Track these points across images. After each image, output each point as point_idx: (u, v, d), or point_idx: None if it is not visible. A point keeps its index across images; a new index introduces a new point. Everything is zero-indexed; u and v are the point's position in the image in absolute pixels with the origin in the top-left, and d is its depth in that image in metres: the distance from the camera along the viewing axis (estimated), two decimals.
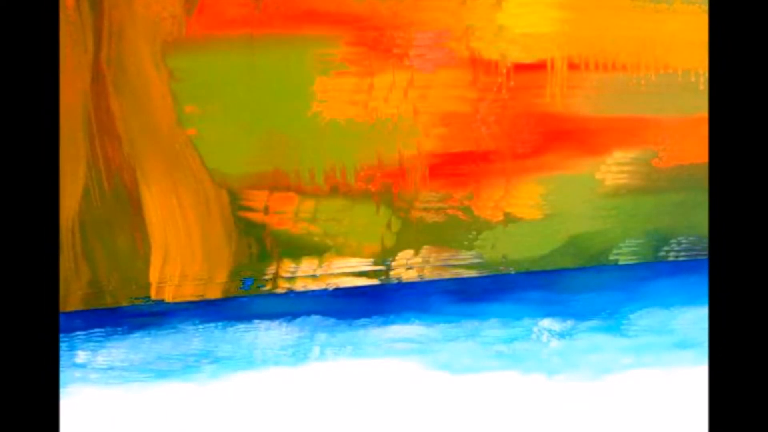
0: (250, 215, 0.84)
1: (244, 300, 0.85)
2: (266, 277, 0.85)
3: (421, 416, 0.80)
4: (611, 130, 0.88)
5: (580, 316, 0.88)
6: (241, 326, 0.84)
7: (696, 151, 0.89)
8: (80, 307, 0.83)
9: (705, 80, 0.88)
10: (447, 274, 0.88)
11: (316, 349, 0.84)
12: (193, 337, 0.84)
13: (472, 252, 0.88)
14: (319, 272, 0.86)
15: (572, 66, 0.86)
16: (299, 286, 0.86)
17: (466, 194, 0.87)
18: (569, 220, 0.89)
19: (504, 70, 0.85)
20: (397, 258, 0.87)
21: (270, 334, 0.84)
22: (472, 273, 0.88)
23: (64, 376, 0.80)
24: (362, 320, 0.86)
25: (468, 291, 0.88)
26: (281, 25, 0.81)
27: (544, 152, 0.87)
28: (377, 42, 0.83)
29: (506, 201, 0.87)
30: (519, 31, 0.85)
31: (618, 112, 0.88)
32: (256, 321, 0.85)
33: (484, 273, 0.88)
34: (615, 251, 0.90)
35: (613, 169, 0.89)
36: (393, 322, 0.86)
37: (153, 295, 0.83)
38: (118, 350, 0.82)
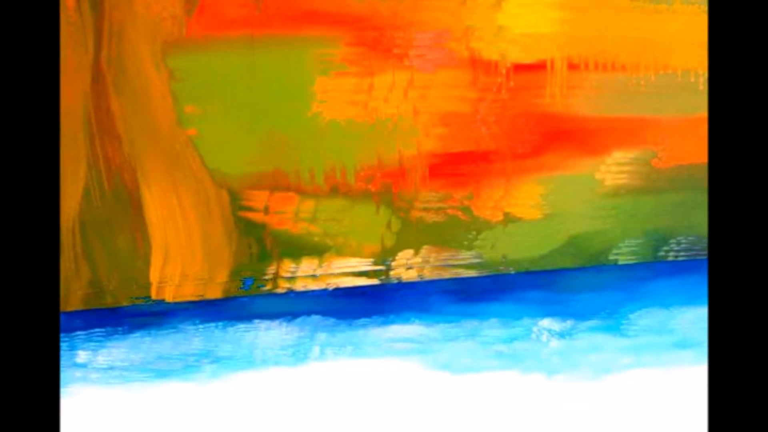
0: (250, 215, 0.84)
1: (244, 300, 0.85)
2: (266, 277, 0.85)
3: (421, 416, 0.80)
4: (611, 130, 0.88)
5: (580, 315, 0.88)
6: (242, 326, 0.85)
7: (695, 151, 0.89)
8: (81, 307, 0.83)
9: (704, 80, 0.88)
10: (447, 274, 0.88)
11: (316, 349, 0.84)
12: (193, 337, 0.84)
13: (472, 252, 0.88)
14: (319, 272, 0.86)
15: (572, 66, 0.86)
16: (299, 286, 0.86)
17: (466, 194, 0.87)
18: (569, 220, 0.89)
19: (504, 71, 0.85)
20: (397, 258, 0.87)
21: (270, 334, 0.85)
22: (471, 273, 0.88)
23: (64, 375, 0.80)
24: (362, 320, 0.86)
25: (468, 291, 0.88)
26: (281, 26, 0.81)
27: (544, 152, 0.87)
28: (377, 42, 0.83)
29: (506, 201, 0.88)
30: (519, 32, 0.85)
31: (618, 112, 0.88)
32: (257, 321, 0.85)
33: (484, 273, 0.88)
34: (615, 251, 0.90)
35: (613, 169, 0.89)
36: (393, 322, 0.86)
37: (153, 295, 0.84)
38: (118, 350, 0.82)
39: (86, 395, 0.80)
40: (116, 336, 0.83)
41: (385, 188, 0.85)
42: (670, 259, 0.91)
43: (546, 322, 0.87)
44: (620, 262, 0.90)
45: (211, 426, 0.79)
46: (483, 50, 0.85)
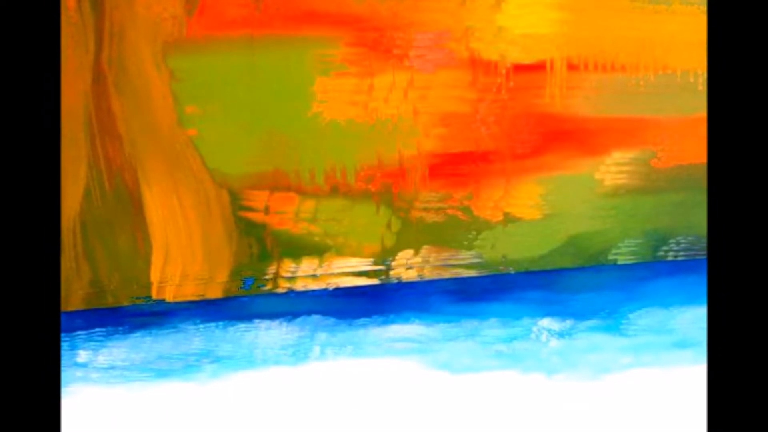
0: (250, 215, 0.84)
1: (244, 300, 0.85)
2: (267, 277, 0.85)
3: (421, 416, 0.80)
4: (610, 130, 0.88)
5: (580, 315, 0.88)
6: (242, 326, 0.85)
7: (695, 151, 0.89)
8: (81, 307, 0.83)
9: (704, 81, 0.88)
10: (447, 274, 0.88)
11: (317, 349, 0.84)
12: (193, 337, 0.84)
13: (472, 252, 0.88)
14: (319, 272, 0.86)
15: (571, 66, 0.86)
16: (299, 285, 0.86)
17: (466, 194, 0.87)
18: (568, 220, 0.89)
19: (503, 71, 0.85)
20: (397, 258, 0.87)
21: (270, 334, 0.85)
22: (471, 273, 0.88)
23: (65, 375, 0.80)
24: (362, 320, 0.86)
25: (468, 291, 0.88)
26: (281, 26, 0.81)
27: (544, 152, 0.87)
28: (377, 43, 0.83)
29: (506, 201, 0.88)
30: (518, 32, 0.85)
31: (617, 112, 0.88)
32: (257, 321, 0.85)
33: (484, 273, 0.88)
34: (614, 251, 0.90)
35: (613, 169, 0.89)
36: (393, 322, 0.86)
37: (154, 295, 0.84)
38: (119, 350, 0.82)
39: (87, 395, 0.80)
40: (117, 336, 0.83)
41: (385, 188, 0.85)
42: (670, 258, 0.91)
43: (546, 322, 0.87)
44: (620, 262, 0.90)
45: (212, 426, 0.79)
46: (483, 51, 0.85)
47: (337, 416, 0.80)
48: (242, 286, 0.85)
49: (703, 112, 0.88)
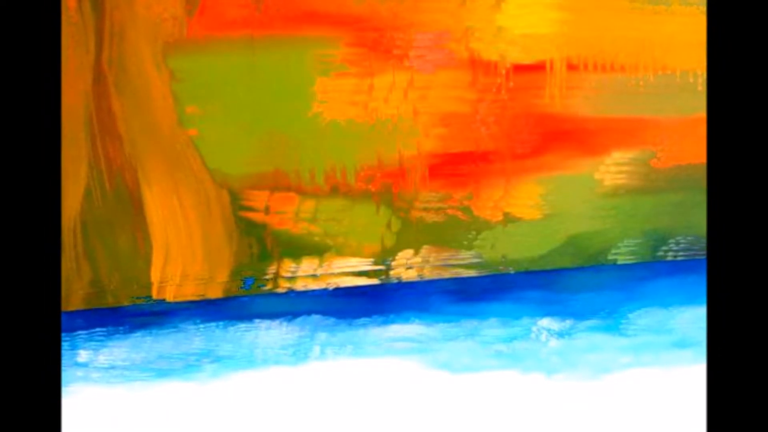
0: (250, 215, 0.84)
1: (244, 299, 0.85)
2: (267, 277, 0.85)
3: (421, 415, 0.80)
4: (610, 130, 0.88)
5: (579, 315, 0.88)
6: (242, 326, 0.85)
7: (694, 151, 0.89)
8: (82, 307, 0.83)
9: (703, 81, 0.88)
10: (447, 274, 0.88)
11: (317, 349, 0.84)
12: (194, 337, 0.84)
13: (472, 252, 0.88)
14: (319, 272, 0.86)
15: (571, 67, 0.86)
16: (300, 285, 0.86)
17: (466, 194, 0.87)
18: (568, 220, 0.89)
19: (503, 71, 0.86)
20: (397, 258, 0.87)
21: (270, 334, 0.85)
22: (471, 273, 0.88)
23: (66, 375, 0.80)
24: (362, 320, 0.86)
25: (467, 291, 0.88)
26: (282, 26, 0.81)
27: (544, 152, 0.87)
28: (377, 43, 0.83)
29: (506, 201, 0.88)
30: (518, 32, 0.85)
31: (617, 112, 0.88)
32: (257, 320, 0.85)
33: (484, 273, 0.88)
34: (614, 251, 0.90)
35: (612, 169, 0.89)
36: (393, 322, 0.86)
37: (154, 295, 0.84)
38: (119, 349, 0.83)
39: (87, 394, 0.80)
40: (117, 335, 0.83)
41: (385, 188, 0.86)
42: (669, 258, 0.91)
43: (545, 322, 0.87)
44: (619, 262, 0.90)
45: (212, 425, 0.79)
46: (482, 51, 0.85)
47: (337, 416, 0.80)
48: (242, 286, 0.85)
49: (702, 113, 0.88)
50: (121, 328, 0.83)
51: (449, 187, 0.87)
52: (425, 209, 0.86)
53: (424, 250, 0.87)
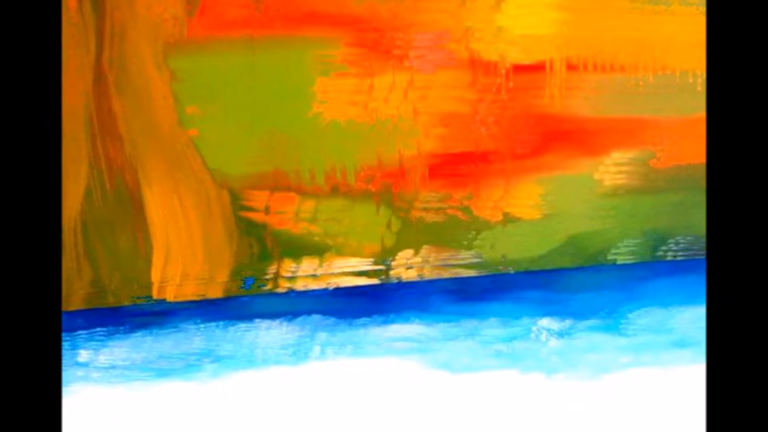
0: (251, 215, 0.84)
1: (245, 299, 0.85)
2: (267, 277, 0.85)
3: (421, 415, 0.80)
4: (610, 130, 0.88)
5: (579, 315, 0.88)
6: (242, 325, 0.85)
7: (694, 151, 0.89)
8: (82, 307, 0.83)
9: (703, 81, 0.88)
10: (446, 274, 0.88)
11: (317, 349, 0.84)
12: (194, 337, 0.84)
13: (472, 252, 0.88)
14: (319, 272, 0.86)
15: (571, 67, 0.87)
16: (300, 285, 0.86)
17: (466, 194, 0.87)
18: (568, 220, 0.89)
19: (503, 71, 0.86)
20: (397, 258, 0.87)
21: (271, 334, 0.85)
22: (471, 273, 0.88)
23: (66, 374, 0.80)
24: (362, 319, 0.86)
25: (467, 290, 0.88)
26: (282, 27, 0.82)
27: (543, 153, 0.88)
28: (377, 43, 0.83)
29: (505, 201, 0.88)
30: (518, 33, 0.85)
31: (616, 112, 0.88)
32: (257, 320, 0.85)
33: (484, 273, 0.88)
34: (613, 251, 0.90)
35: (612, 169, 0.89)
36: (393, 322, 0.86)
37: (155, 295, 0.84)
38: (120, 349, 0.83)
39: (88, 394, 0.80)
40: (118, 335, 0.83)
41: (385, 188, 0.86)
42: (669, 258, 0.91)
43: (545, 322, 0.87)
44: (619, 262, 0.90)
45: (212, 425, 0.79)
46: (482, 51, 0.85)
47: (338, 416, 0.80)
48: (243, 285, 0.85)
49: (701, 113, 0.89)
50: (121, 327, 0.83)
51: (449, 187, 0.87)
52: (425, 209, 0.87)
53: (424, 250, 0.87)
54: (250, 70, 0.82)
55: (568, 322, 0.87)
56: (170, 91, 0.81)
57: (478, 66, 0.85)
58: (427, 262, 0.87)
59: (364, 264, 0.86)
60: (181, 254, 0.84)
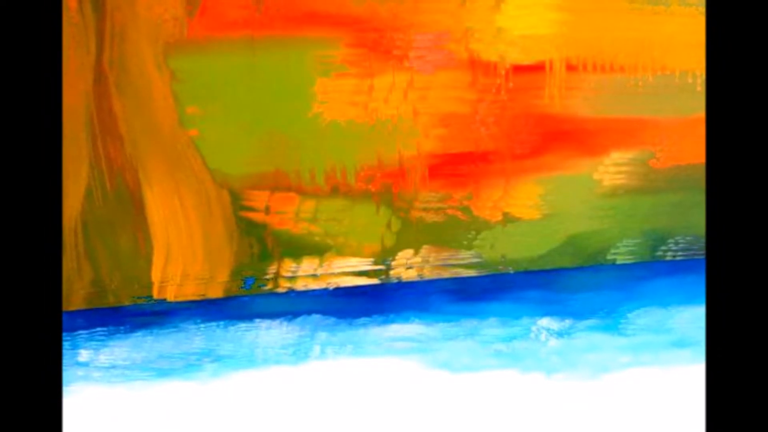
0: (251, 215, 0.84)
1: (245, 299, 0.85)
2: (267, 277, 0.85)
3: (421, 415, 0.80)
4: (609, 130, 0.88)
5: (579, 315, 0.88)
6: (243, 325, 0.85)
7: (693, 151, 0.90)
8: (83, 306, 0.83)
9: (702, 81, 0.88)
10: (446, 274, 0.88)
11: (317, 348, 0.84)
12: (194, 336, 0.84)
13: (472, 252, 0.88)
14: (319, 272, 0.86)
15: (570, 67, 0.87)
16: (300, 285, 0.86)
17: (466, 194, 0.87)
18: (567, 220, 0.89)
19: (503, 72, 0.86)
20: (397, 258, 0.87)
21: (271, 333, 0.85)
22: (471, 272, 0.88)
23: (67, 374, 0.80)
24: (362, 319, 0.86)
25: (467, 290, 0.88)
26: (282, 27, 0.82)
27: (543, 153, 0.88)
28: (377, 44, 0.83)
29: (505, 201, 0.88)
30: (518, 33, 0.85)
31: (616, 113, 0.88)
32: (257, 320, 0.85)
33: (483, 272, 0.88)
34: (613, 251, 0.90)
35: (611, 169, 0.89)
36: (393, 321, 0.86)
37: (155, 295, 0.84)
38: (120, 349, 0.83)
39: (88, 394, 0.80)
40: (118, 335, 0.83)
41: (385, 188, 0.86)
42: (668, 258, 0.91)
43: (545, 322, 0.87)
44: (618, 262, 0.90)
45: (213, 425, 0.79)
46: (482, 51, 0.85)
47: (338, 416, 0.80)
48: (243, 285, 0.85)
49: (701, 113, 0.89)
50: (121, 327, 0.84)
51: (449, 187, 0.87)
52: (425, 209, 0.87)
53: (424, 250, 0.87)
54: (251, 70, 0.82)
55: (567, 322, 0.87)
56: (171, 92, 0.81)
57: (477, 66, 0.85)
58: (427, 262, 0.88)
59: (364, 264, 0.87)
60: (182, 254, 0.84)
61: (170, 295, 0.84)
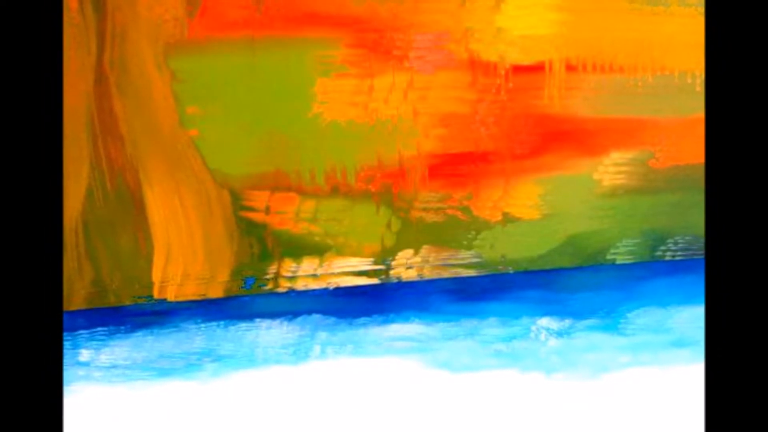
0: (251, 215, 0.84)
1: (245, 299, 0.85)
2: (267, 277, 0.85)
3: (421, 414, 0.80)
4: (609, 131, 0.88)
5: (578, 315, 0.88)
6: (243, 325, 0.85)
7: (692, 151, 0.90)
8: (83, 306, 0.83)
9: (701, 82, 0.88)
10: (446, 274, 0.88)
11: (317, 348, 0.84)
12: (195, 336, 0.84)
13: (471, 251, 0.88)
14: (319, 272, 0.86)
15: (570, 68, 0.87)
16: (300, 285, 0.86)
17: (466, 194, 0.87)
18: (567, 220, 0.89)
19: (503, 72, 0.86)
20: (397, 257, 0.87)
21: (271, 333, 0.85)
22: (471, 272, 0.88)
23: (67, 374, 0.80)
24: (362, 319, 0.86)
25: (467, 290, 0.88)
26: (282, 27, 0.82)
27: (543, 153, 0.88)
28: (377, 44, 0.83)
29: (505, 201, 0.88)
30: (517, 33, 0.85)
31: (615, 113, 0.88)
32: (258, 320, 0.85)
33: (483, 272, 0.89)
34: (612, 251, 0.90)
35: (611, 169, 0.89)
36: (393, 321, 0.86)
37: (155, 294, 0.84)
38: (121, 349, 0.83)
39: (89, 393, 0.80)
40: (119, 335, 0.83)
41: (385, 188, 0.86)
42: (668, 258, 0.91)
43: (544, 321, 0.87)
44: (618, 262, 0.90)
45: (213, 424, 0.79)
46: (482, 52, 0.85)
47: (338, 415, 0.80)
48: (243, 285, 0.85)
49: (700, 113, 0.89)
50: (122, 327, 0.84)
51: (449, 187, 0.87)
52: (425, 209, 0.87)
53: (424, 249, 0.87)
54: (251, 70, 0.82)
55: (567, 322, 0.87)
56: (171, 92, 0.81)
57: (477, 67, 0.85)
58: (427, 261, 0.88)
59: (364, 264, 0.87)
60: (182, 254, 0.84)
61: (171, 295, 0.84)
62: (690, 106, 0.89)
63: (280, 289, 0.86)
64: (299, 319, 0.86)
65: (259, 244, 0.85)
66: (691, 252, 0.91)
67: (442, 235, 0.87)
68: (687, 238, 0.91)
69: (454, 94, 0.85)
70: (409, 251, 0.87)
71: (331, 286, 0.87)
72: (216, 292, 0.85)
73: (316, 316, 0.86)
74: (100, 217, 0.82)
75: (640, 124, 0.89)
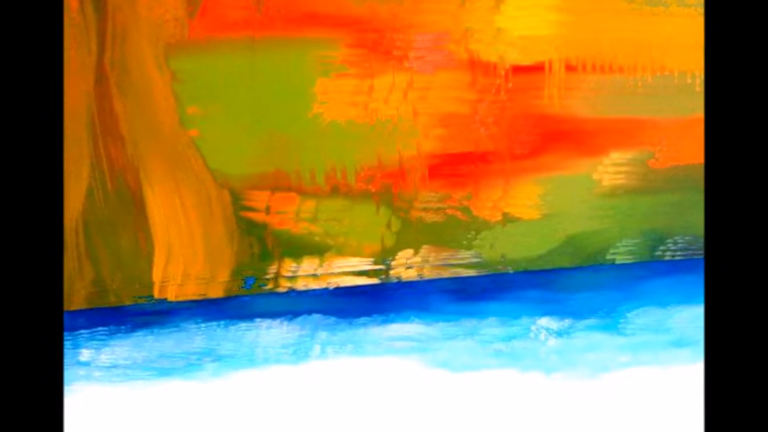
0: (251, 215, 0.84)
1: (245, 299, 0.85)
2: (268, 277, 0.86)
3: (421, 414, 0.80)
4: (608, 131, 0.88)
5: (578, 314, 0.88)
6: (243, 325, 0.85)
7: (692, 151, 0.90)
8: (84, 306, 0.83)
9: (701, 82, 0.88)
10: (446, 274, 0.88)
11: (317, 348, 0.84)
12: (195, 336, 0.84)
13: (471, 251, 0.88)
14: (319, 271, 0.86)
15: (570, 68, 0.87)
16: (300, 285, 0.86)
17: (465, 194, 0.87)
18: (567, 220, 0.89)
19: (502, 72, 0.86)
20: (396, 257, 0.87)
21: (271, 333, 0.85)
22: (471, 272, 0.88)
23: (68, 373, 0.81)
24: (362, 319, 0.86)
25: (467, 290, 0.88)
26: (282, 28, 0.82)
27: (542, 153, 0.88)
28: (377, 44, 0.84)
29: (505, 201, 0.88)
30: (517, 34, 0.85)
31: (615, 113, 0.88)
32: (258, 320, 0.85)
33: (483, 272, 0.89)
34: (612, 251, 0.90)
35: (610, 169, 0.89)
36: (393, 321, 0.86)
37: (156, 294, 0.84)
38: (121, 348, 0.83)
39: (89, 393, 0.80)
40: (119, 334, 0.83)
41: (385, 188, 0.86)
42: (667, 258, 0.91)
43: (544, 321, 0.87)
44: (617, 262, 0.90)
45: (213, 424, 0.79)
46: (482, 52, 0.85)
47: (338, 415, 0.80)
48: (243, 285, 0.85)
49: (700, 113, 0.89)
50: (122, 327, 0.84)
51: (449, 187, 0.87)
52: (425, 209, 0.87)
53: (424, 249, 0.88)
54: (251, 70, 0.82)
55: (567, 322, 0.87)
56: (171, 92, 0.81)
57: (477, 67, 0.85)
58: (427, 261, 0.88)
59: (364, 264, 0.87)
60: (183, 254, 0.84)
61: (171, 295, 0.84)
62: (690, 106, 0.89)
63: (280, 289, 0.86)
64: (299, 319, 0.86)
65: (260, 244, 0.85)
66: (690, 252, 0.91)
67: (442, 235, 0.87)
68: (686, 238, 0.91)
69: (454, 95, 0.85)
70: (409, 251, 0.87)
71: (331, 286, 0.87)
72: (216, 292, 0.85)
73: (316, 316, 0.86)
74: (100, 217, 0.82)
75: (640, 124, 0.89)
